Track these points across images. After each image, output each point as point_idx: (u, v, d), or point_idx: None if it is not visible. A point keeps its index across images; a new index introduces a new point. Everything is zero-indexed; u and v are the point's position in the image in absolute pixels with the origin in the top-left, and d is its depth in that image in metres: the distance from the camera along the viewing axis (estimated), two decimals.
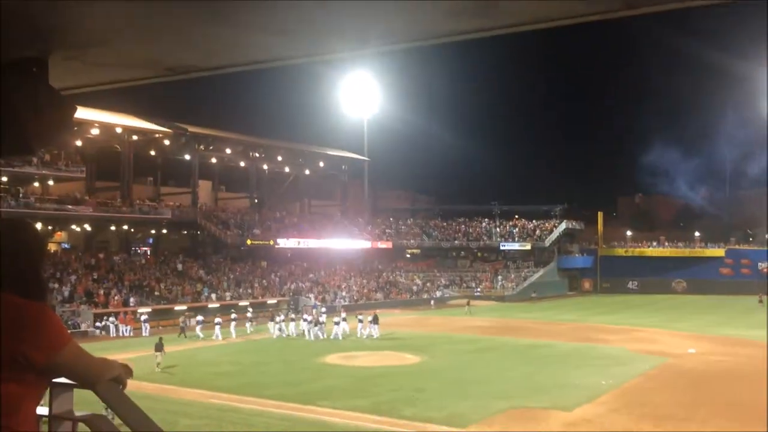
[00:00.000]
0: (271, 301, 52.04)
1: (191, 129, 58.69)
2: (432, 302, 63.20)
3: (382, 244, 73.12)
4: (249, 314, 43.79)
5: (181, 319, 41.30)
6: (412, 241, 78.20)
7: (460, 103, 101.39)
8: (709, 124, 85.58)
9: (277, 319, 41.08)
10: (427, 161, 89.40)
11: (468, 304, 57.85)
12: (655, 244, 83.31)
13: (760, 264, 77.11)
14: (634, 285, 78.34)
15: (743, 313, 53.88)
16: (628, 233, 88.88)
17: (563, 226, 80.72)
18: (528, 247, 78.17)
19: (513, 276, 75.38)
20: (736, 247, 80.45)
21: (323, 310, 46.03)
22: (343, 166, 75.64)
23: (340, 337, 37.94)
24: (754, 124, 76.60)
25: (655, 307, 58.68)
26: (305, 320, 39.67)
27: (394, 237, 75.72)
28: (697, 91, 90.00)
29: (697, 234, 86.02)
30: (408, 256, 79.17)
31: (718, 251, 79.48)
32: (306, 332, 38.63)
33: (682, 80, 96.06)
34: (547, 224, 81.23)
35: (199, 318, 40.33)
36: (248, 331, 41.18)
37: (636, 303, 63.71)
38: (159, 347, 28.80)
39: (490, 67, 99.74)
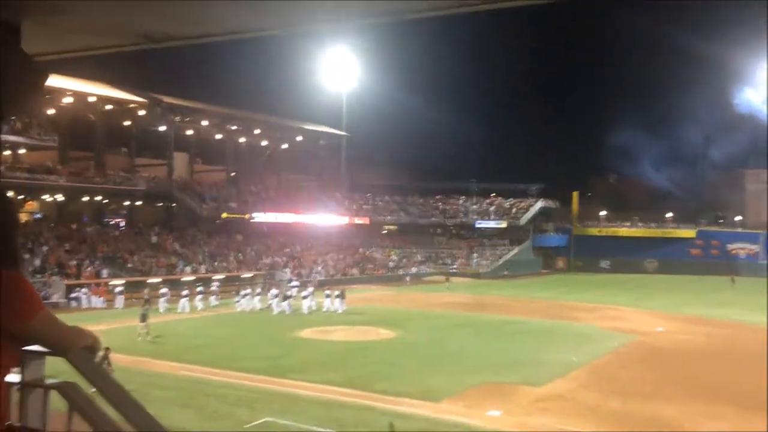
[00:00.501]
0: (247, 275, 51.95)
1: (167, 99, 57.82)
2: (408, 278, 63.57)
3: (359, 220, 73.16)
4: (214, 288, 43.86)
5: (145, 291, 41.03)
6: (389, 218, 78.34)
7: (438, 81, 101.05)
8: (681, 108, 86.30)
9: (243, 292, 41.13)
10: (406, 138, 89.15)
11: (447, 280, 58.73)
12: (627, 224, 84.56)
13: (728, 245, 78.78)
14: (606, 264, 79.57)
15: (712, 293, 55.13)
16: (603, 213, 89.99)
17: (539, 205, 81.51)
18: (504, 225, 78.84)
19: (488, 253, 76.06)
20: (707, 228, 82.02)
21: (295, 284, 46.12)
22: (321, 141, 75.22)
23: (306, 312, 37.97)
24: (724, 108, 77.49)
25: (627, 286, 59.70)
26: (272, 294, 39.78)
27: (371, 213, 75.75)
28: (671, 75, 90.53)
29: (669, 215, 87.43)
30: (385, 232, 79.33)
31: (689, 232, 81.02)
32: (272, 306, 38.67)
33: (657, 63, 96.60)
34: (523, 203, 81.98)
35: (164, 290, 40.15)
36: (216, 304, 41.28)
37: (608, 282, 64.72)
38: (144, 318, 29.01)
39: (468, 44, 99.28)
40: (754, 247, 78.29)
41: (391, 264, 68.94)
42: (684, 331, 33.43)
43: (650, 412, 18.14)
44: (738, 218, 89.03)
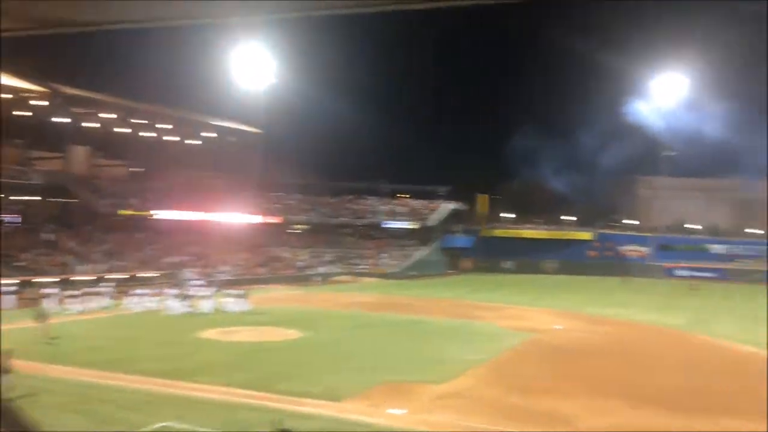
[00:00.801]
0: (148, 274, 50.15)
1: (67, 90, 55.00)
2: (316, 278, 63.29)
3: (269, 219, 72.20)
4: (109, 287, 42.26)
5: (31, 291, 38.91)
6: (300, 217, 77.74)
7: (354, 80, 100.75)
8: (580, 116, 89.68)
9: (138, 292, 39.78)
10: (320, 137, 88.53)
11: (356, 279, 59.23)
12: (531, 226, 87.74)
13: (622, 247, 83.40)
14: (510, 265, 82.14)
15: (607, 292, 58.09)
16: (508, 215, 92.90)
17: (448, 206, 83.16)
18: (413, 225, 79.96)
19: (398, 254, 76.87)
20: (603, 231, 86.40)
21: (198, 284, 45.02)
22: (233, 138, 73.70)
23: (207, 312, 37.05)
24: (617, 117, 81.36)
25: (528, 286, 61.90)
26: (172, 294, 38.69)
27: (282, 212, 74.92)
28: (572, 84, 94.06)
29: (569, 218, 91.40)
30: (295, 231, 78.64)
31: (587, 234, 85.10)
32: (169, 306, 37.55)
33: (559, 73, 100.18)
34: (432, 204, 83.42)
35: (54, 290, 38.23)
36: (108, 305, 39.65)
37: (511, 282, 66.86)
38: (41, 317, 27.77)
39: (383, 44, 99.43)
40: (645, 249, 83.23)
41: (300, 264, 68.43)
42: (581, 329, 34.96)
43: (547, 406, 18.85)
44: (631, 222, 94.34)
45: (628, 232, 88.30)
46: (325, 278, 64.64)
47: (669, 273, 78.69)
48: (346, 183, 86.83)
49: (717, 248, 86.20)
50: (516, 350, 28.01)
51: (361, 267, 71.66)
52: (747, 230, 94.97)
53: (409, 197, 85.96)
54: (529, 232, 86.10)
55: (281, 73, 76.88)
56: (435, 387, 20.68)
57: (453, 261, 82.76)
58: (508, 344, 29.07)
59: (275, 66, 75.34)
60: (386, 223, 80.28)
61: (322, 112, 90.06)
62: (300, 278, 63.04)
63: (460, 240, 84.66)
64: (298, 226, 79.22)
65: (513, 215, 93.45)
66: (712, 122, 71.08)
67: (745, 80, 74.40)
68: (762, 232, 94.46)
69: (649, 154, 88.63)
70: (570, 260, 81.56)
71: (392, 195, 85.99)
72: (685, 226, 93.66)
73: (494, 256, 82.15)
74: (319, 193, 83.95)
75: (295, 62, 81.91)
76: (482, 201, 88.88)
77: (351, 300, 47.12)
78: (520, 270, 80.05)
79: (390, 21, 75.42)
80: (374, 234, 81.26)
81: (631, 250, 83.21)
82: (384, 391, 19.97)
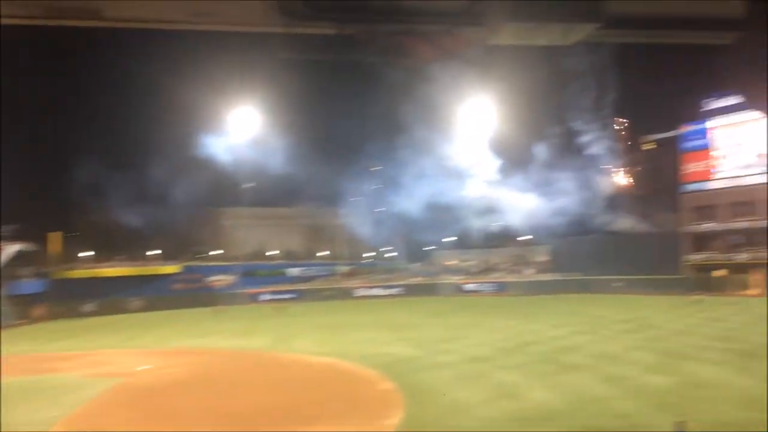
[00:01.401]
0: None
1: None
2: None
3: None
4: None
5: None
6: None
7: None
8: (155, 148, 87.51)
9: None
10: None
11: None
12: (112, 264, 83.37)
13: (207, 278, 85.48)
14: (91, 307, 76.21)
15: (193, 324, 58.39)
16: (87, 254, 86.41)
17: (13, 247, 73.46)
18: None
19: None
20: (190, 263, 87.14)
21: None
22: None
23: None
24: (193, 150, 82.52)
25: (112, 328, 58.19)
26: None
27: None
28: (147, 116, 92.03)
29: (154, 252, 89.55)
30: None
31: (174, 268, 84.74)
32: None
33: (127, 102, 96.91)
34: None
35: None
36: None
37: (93, 326, 62.01)
38: None
39: None
40: (230, 278, 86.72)
41: None
42: (168, 364, 34.09)
43: None
44: (216, 252, 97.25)
45: (215, 263, 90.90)
46: None
47: (253, 298, 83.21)
48: None
49: (293, 271, 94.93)
50: (98, 400, 25.73)
51: None
52: (318, 253, 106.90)
53: None
54: (110, 271, 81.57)
55: None
56: None
57: (22, 309, 72.93)
58: (88, 395, 26.51)
59: None
60: None
61: None
62: None
63: (30, 285, 75.27)
64: None
65: (92, 253, 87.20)
66: (283, 156, 77.85)
67: (307, 120, 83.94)
68: (328, 253, 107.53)
69: (228, 186, 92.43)
70: (157, 295, 79.82)
71: None
72: (266, 253, 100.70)
73: (73, 300, 75.12)
74: None
75: None
76: (54, 239, 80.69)
77: None
78: (103, 311, 74.77)
79: None
80: None
81: (218, 279, 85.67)
82: None
